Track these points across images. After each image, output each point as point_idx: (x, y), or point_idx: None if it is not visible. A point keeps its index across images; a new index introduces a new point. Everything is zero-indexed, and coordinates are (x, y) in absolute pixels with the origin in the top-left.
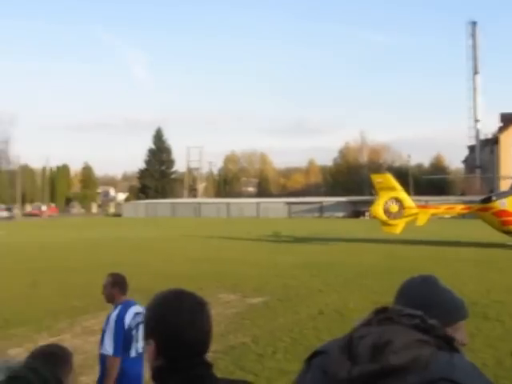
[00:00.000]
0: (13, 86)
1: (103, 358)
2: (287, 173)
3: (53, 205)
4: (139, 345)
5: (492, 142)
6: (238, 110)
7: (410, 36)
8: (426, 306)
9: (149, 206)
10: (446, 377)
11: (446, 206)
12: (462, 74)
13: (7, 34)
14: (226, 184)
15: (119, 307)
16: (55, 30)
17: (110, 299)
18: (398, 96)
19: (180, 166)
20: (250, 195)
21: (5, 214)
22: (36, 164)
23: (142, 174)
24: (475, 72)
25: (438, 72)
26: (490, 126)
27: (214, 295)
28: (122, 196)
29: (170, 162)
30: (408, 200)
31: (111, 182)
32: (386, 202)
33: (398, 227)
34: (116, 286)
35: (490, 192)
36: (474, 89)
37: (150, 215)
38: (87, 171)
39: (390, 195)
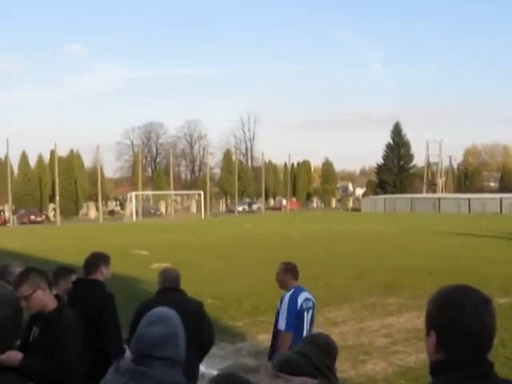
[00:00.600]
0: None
1: (277, 334)
2: None
3: (294, 199)
4: (307, 327)
5: None
6: (479, 101)
7: None
8: None
9: (387, 201)
10: None
11: None
12: None
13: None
14: (466, 178)
15: (292, 289)
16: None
17: (283, 285)
18: None
19: (419, 160)
20: (492, 190)
21: (246, 207)
22: (279, 160)
23: (380, 168)
24: None
25: None
26: None
27: None
28: (359, 191)
29: (409, 157)
30: None
31: (349, 177)
32: None
33: None
34: (288, 273)
35: None
36: None
37: (388, 210)
38: (327, 166)
39: None
